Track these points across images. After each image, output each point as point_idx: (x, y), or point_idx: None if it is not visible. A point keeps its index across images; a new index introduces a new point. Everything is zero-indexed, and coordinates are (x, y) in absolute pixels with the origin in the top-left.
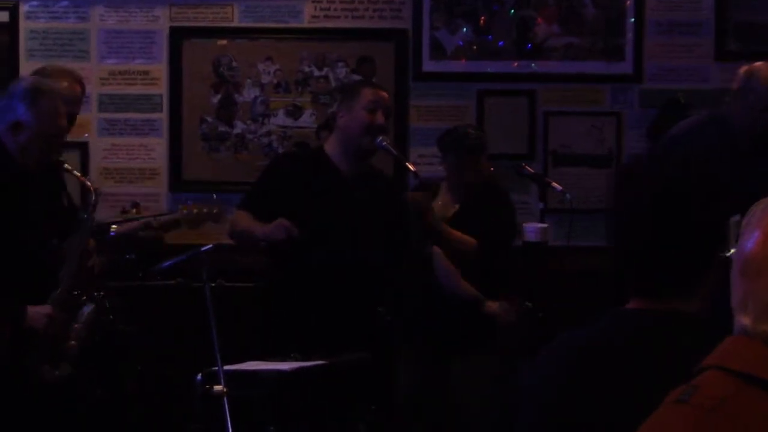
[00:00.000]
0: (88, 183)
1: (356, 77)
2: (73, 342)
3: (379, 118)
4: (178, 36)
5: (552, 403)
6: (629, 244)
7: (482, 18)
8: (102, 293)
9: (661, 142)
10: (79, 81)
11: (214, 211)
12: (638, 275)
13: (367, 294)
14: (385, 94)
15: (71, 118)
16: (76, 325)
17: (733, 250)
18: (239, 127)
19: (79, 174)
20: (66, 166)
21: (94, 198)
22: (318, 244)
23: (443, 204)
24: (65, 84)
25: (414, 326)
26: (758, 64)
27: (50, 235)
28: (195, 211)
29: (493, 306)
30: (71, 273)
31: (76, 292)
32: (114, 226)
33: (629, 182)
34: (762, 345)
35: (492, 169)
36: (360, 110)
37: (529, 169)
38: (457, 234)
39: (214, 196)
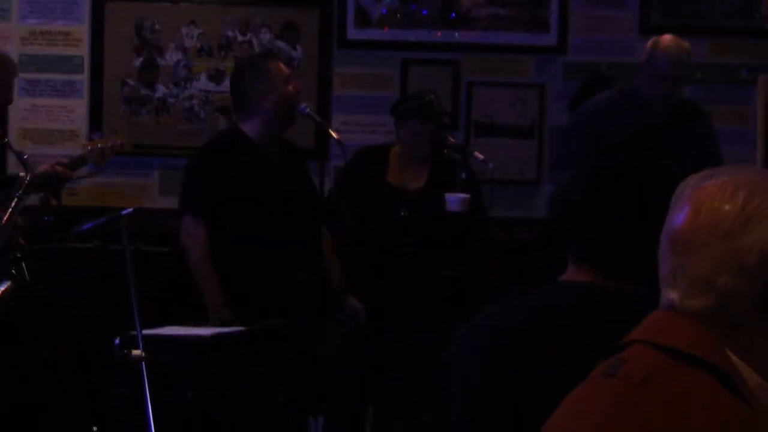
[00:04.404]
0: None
1: (281, 43)
2: None
3: (297, 86)
4: None
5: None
6: (579, 221)
7: None
8: (19, 255)
9: (572, 117)
10: None
11: (119, 142)
12: (589, 251)
13: (292, 262)
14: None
15: None
16: None
17: None
18: (161, 90)
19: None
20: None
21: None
22: (256, 221)
23: (402, 172)
24: None
25: (374, 298)
26: (664, 35)
27: None
28: (99, 145)
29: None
30: None
31: None
32: (21, 174)
33: (591, 164)
34: (688, 320)
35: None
36: (282, 85)
37: (451, 138)
38: None
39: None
